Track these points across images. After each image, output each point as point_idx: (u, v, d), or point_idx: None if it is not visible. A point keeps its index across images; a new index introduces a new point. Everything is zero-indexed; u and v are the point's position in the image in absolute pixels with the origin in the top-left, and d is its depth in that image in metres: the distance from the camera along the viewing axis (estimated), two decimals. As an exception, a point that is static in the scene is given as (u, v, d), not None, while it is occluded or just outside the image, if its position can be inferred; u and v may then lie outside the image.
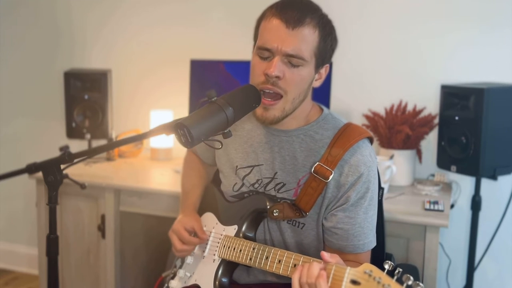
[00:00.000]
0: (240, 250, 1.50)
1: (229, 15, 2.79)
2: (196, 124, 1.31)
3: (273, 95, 1.44)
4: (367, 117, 2.46)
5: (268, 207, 1.52)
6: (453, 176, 2.43)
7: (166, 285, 1.72)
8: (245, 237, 1.54)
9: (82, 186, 1.58)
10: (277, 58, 1.41)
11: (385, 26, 2.55)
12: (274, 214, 1.51)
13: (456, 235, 2.49)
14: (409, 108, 2.43)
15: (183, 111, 2.69)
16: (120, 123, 2.98)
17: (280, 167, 1.54)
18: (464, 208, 2.47)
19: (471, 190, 2.41)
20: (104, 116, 2.80)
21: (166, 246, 1.87)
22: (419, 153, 2.42)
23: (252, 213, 1.55)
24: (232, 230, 1.58)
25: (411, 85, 2.52)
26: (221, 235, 1.60)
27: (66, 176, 1.44)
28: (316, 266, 1.23)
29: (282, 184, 1.54)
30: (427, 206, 2.08)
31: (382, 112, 2.44)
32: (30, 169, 1.42)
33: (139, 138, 1.43)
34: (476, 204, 2.36)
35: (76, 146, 2.88)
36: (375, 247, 1.53)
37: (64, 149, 1.44)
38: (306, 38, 1.41)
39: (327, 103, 2.38)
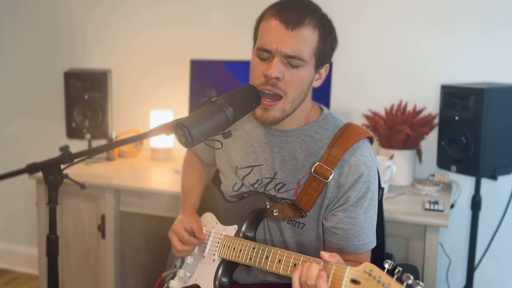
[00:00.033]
0: (240, 250, 1.50)
1: (229, 15, 2.79)
2: (196, 124, 1.31)
3: (273, 96, 1.44)
4: (367, 117, 2.46)
5: (268, 206, 1.52)
6: (453, 176, 2.43)
7: (166, 285, 1.72)
8: (245, 237, 1.54)
9: (82, 186, 1.58)
10: (276, 59, 1.41)
11: (385, 26, 2.55)
12: (274, 214, 1.51)
13: (456, 235, 2.49)
14: (409, 108, 2.43)
15: (183, 111, 2.69)
16: (120, 123, 2.98)
17: (280, 167, 1.54)
18: (464, 208, 2.47)
19: (471, 190, 2.41)
20: (104, 116, 2.80)
21: (166, 246, 1.86)
22: (419, 153, 2.42)
23: (252, 213, 1.55)
24: (232, 230, 1.58)
25: (411, 85, 2.52)
26: (221, 235, 1.60)
27: (66, 176, 1.44)
28: (315, 267, 1.23)
29: (282, 184, 1.53)
30: (427, 206, 2.08)
31: (382, 112, 2.44)
32: (30, 169, 1.42)
33: (139, 138, 1.43)
34: (476, 204, 2.36)
35: (76, 146, 2.88)
36: (375, 247, 1.53)
37: (64, 149, 1.44)
38: (306, 39, 1.41)
39: (327, 103, 2.38)
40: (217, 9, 2.81)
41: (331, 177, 1.46)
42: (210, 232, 1.65)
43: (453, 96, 2.25)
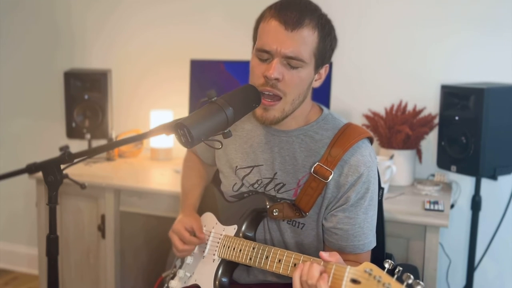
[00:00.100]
0: (240, 250, 1.50)
1: (229, 15, 2.79)
2: (196, 124, 1.31)
3: (273, 96, 1.44)
4: (367, 117, 2.46)
5: (268, 206, 1.52)
6: (453, 176, 2.43)
7: (166, 285, 1.72)
8: (245, 237, 1.54)
9: (82, 186, 1.58)
10: (276, 60, 1.41)
11: (385, 26, 2.55)
12: (274, 214, 1.51)
13: (456, 235, 2.49)
14: (409, 108, 2.43)
15: (183, 111, 2.69)
16: (120, 123, 2.98)
17: (280, 167, 1.54)
18: (464, 208, 2.47)
19: (471, 190, 2.41)
20: (104, 116, 2.80)
21: (166, 246, 1.87)
22: (419, 153, 2.42)
23: (251, 212, 1.55)
24: (231, 230, 1.58)
25: (411, 85, 2.52)
26: (221, 235, 1.60)
27: (66, 176, 1.44)
28: (316, 267, 1.23)
29: (282, 184, 1.53)
30: (427, 206, 2.08)
31: (382, 112, 2.44)
32: (30, 169, 1.42)
33: (139, 138, 1.43)
34: (476, 204, 2.36)
35: (76, 146, 2.89)
36: (375, 247, 1.53)
37: (64, 149, 1.44)
38: (306, 40, 1.40)
39: (327, 103, 2.38)
40: (217, 9, 2.81)
41: (330, 177, 1.46)
42: (210, 232, 1.65)
43: (453, 96, 2.25)
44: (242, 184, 1.60)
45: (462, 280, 2.47)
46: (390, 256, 1.77)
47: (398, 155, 2.35)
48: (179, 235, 1.62)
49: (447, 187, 2.40)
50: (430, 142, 2.49)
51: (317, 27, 1.42)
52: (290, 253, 1.37)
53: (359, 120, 2.53)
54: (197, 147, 1.77)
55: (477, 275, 2.44)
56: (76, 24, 3.08)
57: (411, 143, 2.36)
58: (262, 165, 1.56)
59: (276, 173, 1.54)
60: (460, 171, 2.24)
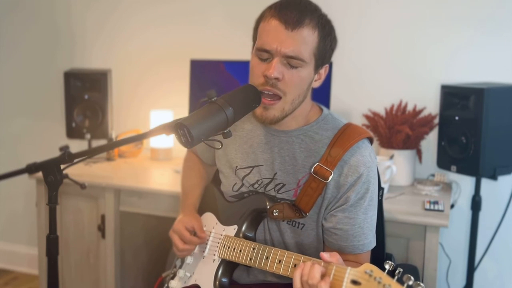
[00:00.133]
0: (240, 250, 1.50)
1: (229, 15, 2.79)
2: (196, 124, 1.31)
3: (273, 96, 1.44)
4: (367, 117, 2.46)
5: (268, 207, 1.52)
6: (453, 176, 2.43)
7: (166, 285, 1.72)
8: (245, 237, 1.54)
9: (82, 186, 1.58)
10: (276, 59, 1.41)
11: (385, 26, 2.55)
12: (274, 214, 1.51)
13: (456, 235, 2.49)
14: (409, 108, 2.43)
15: (183, 111, 2.69)
16: (120, 123, 2.98)
17: (279, 167, 1.54)
18: (464, 208, 2.47)
19: (471, 190, 2.41)
20: (104, 116, 2.80)
21: (166, 246, 1.87)
22: (419, 153, 2.42)
23: (252, 213, 1.55)
24: (232, 230, 1.58)
25: (411, 85, 2.52)
26: (221, 235, 1.60)
27: (66, 176, 1.44)
28: (317, 268, 1.23)
29: (282, 184, 1.53)
30: (427, 206, 2.08)
31: (382, 112, 2.44)
32: (30, 169, 1.42)
33: (139, 138, 1.43)
34: (476, 204, 2.36)
35: (76, 146, 2.88)
36: (375, 247, 1.53)
37: (64, 149, 1.43)
38: (306, 39, 1.40)
39: (327, 103, 2.38)
40: (217, 9, 2.81)
41: (330, 177, 1.46)
42: (210, 232, 1.65)
43: (453, 96, 2.25)
44: (242, 184, 1.60)
45: (462, 280, 2.47)
46: (390, 256, 1.77)
47: (398, 155, 2.35)
48: (179, 234, 1.62)
49: (447, 187, 2.40)
50: (430, 142, 2.49)
51: (317, 27, 1.42)
52: (290, 254, 1.37)
53: (359, 120, 2.53)
54: (197, 147, 1.77)
55: (477, 275, 2.44)
56: (76, 24, 3.08)
57: (411, 143, 2.36)
58: (262, 165, 1.56)
59: (276, 173, 1.54)
60: (460, 171, 2.24)
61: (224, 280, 1.55)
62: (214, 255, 1.59)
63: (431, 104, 2.45)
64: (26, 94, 3.23)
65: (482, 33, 2.41)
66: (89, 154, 1.50)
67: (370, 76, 2.59)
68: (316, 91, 1.57)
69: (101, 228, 2.42)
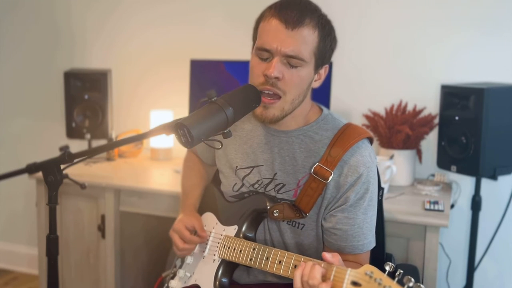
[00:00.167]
0: (240, 251, 1.50)
1: (229, 15, 2.79)
2: (196, 124, 1.31)
3: (272, 95, 1.44)
4: (367, 117, 2.46)
5: (268, 207, 1.52)
6: (453, 176, 2.43)
7: (166, 285, 1.72)
8: (245, 237, 1.54)
9: (82, 186, 1.58)
10: (276, 59, 1.41)
11: (385, 26, 2.55)
12: (274, 215, 1.51)
13: (456, 235, 2.49)
14: (409, 108, 2.43)
15: (183, 111, 2.69)
16: (120, 123, 2.98)
17: (279, 167, 1.54)
18: (464, 208, 2.47)
19: (471, 190, 2.41)
20: (104, 116, 2.80)
21: (166, 246, 1.87)
22: (419, 153, 2.42)
23: (252, 213, 1.55)
24: (232, 230, 1.58)
25: (411, 85, 2.52)
26: (221, 235, 1.60)
27: (66, 176, 1.44)
28: (318, 269, 1.23)
29: (282, 184, 1.53)
30: (427, 206, 2.08)
31: (382, 112, 2.44)
32: (30, 169, 1.42)
33: (139, 138, 1.43)
34: (476, 204, 2.36)
35: (76, 146, 2.89)
36: (375, 247, 1.53)
37: (64, 149, 1.43)
38: (306, 39, 1.40)
39: (327, 103, 2.38)
40: (217, 9, 2.81)
41: (330, 178, 1.45)
42: (210, 232, 1.65)
43: (453, 96, 2.25)
44: (243, 184, 1.60)
45: (462, 280, 2.47)
46: (390, 256, 1.77)
47: (398, 155, 2.35)
48: (179, 234, 1.62)
49: (447, 187, 2.40)
50: (430, 142, 2.49)
51: (318, 26, 1.42)
52: (290, 255, 1.37)
53: (359, 120, 2.53)
54: (197, 147, 1.77)
55: (477, 275, 2.44)
56: (76, 24, 3.08)
57: (411, 143, 2.36)
58: (262, 165, 1.56)
59: (276, 173, 1.54)
60: (460, 171, 2.24)
61: (224, 280, 1.55)
62: (214, 255, 1.59)
63: (431, 104, 2.45)
64: (26, 94, 3.23)
65: (482, 33, 2.41)
66: (89, 154, 1.50)
67: (370, 76, 2.59)
68: (316, 91, 1.57)
69: (101, 228, 2.42)
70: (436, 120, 2.35)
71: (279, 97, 1.44)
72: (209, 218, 1.69)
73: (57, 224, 1.44)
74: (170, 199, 2.30)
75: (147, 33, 2.95)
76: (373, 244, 1.52)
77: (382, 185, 2.04)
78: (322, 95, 2.34)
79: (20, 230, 3.33)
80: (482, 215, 2.40)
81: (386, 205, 1.98)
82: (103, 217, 2.41)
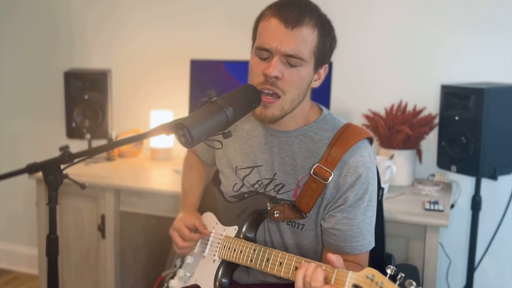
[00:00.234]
0: (241, 251, 1.50)
1: (229, 15, 2.79)
2: (196, 124, 1.31)
3: (272, 94, 1.44)
4: (367, 117, 2.46)
5: (269, 208, 1.51)
6: (453, 176, 2.43)
7: (166, 284, 1.72)
8: (246, 238, 1.54)
9: (82, 186, 1.58)
10: (276, 58, 1.41)
11: (385, 26, 2.55)
12: (275, 215, 1.50)
13: (456, 235, 2.49)
14: (409, 108, 2.43)
15: (183, 111, 2.69)
16: (120, 123, 2.98)
17: (279, 168, 1.54)
18: (464, 208, 2.47)
19: (471, 190, 2.41)
20: (104, 116, 2.80)
21: (166, 246, 1.87)
22: (419, 153, 2.42)
23: (252, 213, 1.55)
24: (232, 230, 1.58)
25: (411, 85, 2.52)
26: (221, 235, 1.60)
27: (66, 176, 1.44)
28: (320, 271, 1.23)
29: (281, 185, 1.53)
30: (427, 206, 2.08)
31: (382, 112, 2.44)
32: (30, 169, 1.42)
33: (139, 138, 1.43)
34: (476, 204, 2.36)
35: (76, 146, 2.89)
36: (375, 247, 1.53)
37: (64, 149, 1.43)
38: (305, 38, 1.40)
39: (327, 103, 2.38)
40: (217, 9, 2.81)
41: (330, 178, 1.45)
42: (211, 232, 1.64)
43: (453, 96, 2.25)
44: (243, 185, 1.60)
45: (462, 280, 2.46)
46: (390, 256, 1.77)
47: (398, 155, 2.34)
48: (179, 232, 1.62)
49: (447, 187, 2.40)
50: (430, 142, 2.48)
51: (317, 26, 1.42)
52: (291, 256, 1.37)
53: (359, 120, 2.53)
54: (197, 147, 1.77)
55: (477, 275, 2.43)
56: (76, 24, 3.08)
57: (411, 143, 2.36)
58: (262, 165, 1.56)
59: (275, 173, 1.54)
60: (460, 171, 2.24)
61: (224, 280, 1.55)
62: (214, 255, 1.59)
63: (431, 104, 2.45)
64: (26, 94, 3.23)
65: (482, 33, 2.41)
66: (89, 154, 1.50)
67: (370, 76, 2.59)
68: (316, 91, 1.57)
69: (101, 228, 2.42)
70: (436, 120, 2.35)
71: (279, 97, 1.44)
72: (209, 218, 1.69)
73: (57, 224, 1.44)
74: (170, 199, 2.30)
75: (147, 33, 2.95)
76: (372, 244, 1.52)
77: (382, 185, 2.04)
78: (322, 95, 2.34)
79: (20, 230, 3.33)
80: (482, 215, 2.40)
81: (386, 205, 1.98)
82: (103, 217, 2.41)
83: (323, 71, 1.52)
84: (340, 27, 1.55)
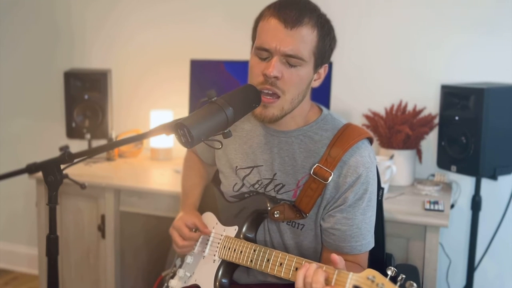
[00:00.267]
0: (241, 252, 1.50)
1: (229, 15, 2.79)
2: (196, 124, 1.31)
3: (272, 94, 1.44)
4: (367, 117, 2.46)
5: (269, 208, 1.51)
6: (453, 176, 2.43)
7: (165, 284, 1.72)
8: (246, 238, 1.54)
9: (82, 186, 1.58)
10: (275, 58, 1.41)
11: (385, 26, 2.55)
12: (275, 216, 1.50)
13: (456, 235, 2.49)
14: (409, 108, 2.43)
15: (183, 111, 2.69)
16: (120, 123, 2.98)
17: (279, 168, 1.54)
18: (464, 208, 2.47)
19: (471, 190, 2.41)
20: (104, 116, 2.80)
21: (166, 246, 1.87)
22: (419, 153, 2.42)
23: (252, 213, 1.55)
24: (232, 230, 1.58)
25: (411, 85, 2.51)
26: (221, 235, 1.60)
27: (66, 176, 1.44)
28: (321, 273, 1.22)
29: (281, 185, 1.53)
30: (427, 206, 2.08)
31: (382, 112, 2.44)
32: (30, 169, 1.42)
33: (139, 138, 1.43)
34: (476, 204, 2.36)
35: (76, 146, 2.89)
36: (375, 247, 1.53)
37: (64, 149, 1.43)
38: (305, 38, 1.40)
39: (327, 103, 2.38)
40: (217, 9, 2.81)
41: (330, 178, 1.45)
42: (211, 232, 1.64)
43: (453, 96, 2.25)
44: (243, 184, 1.60)
45: (462, 280, 2.46)
46: (390, 256, 1.77)
47: (398, 155, 2.34)
48: (179, 231, 1.62)
49: (447, 187, 2.40)
50: (430, 142, 2.48)
51: (317, 26, 1.42)
52: (291, 257, 1.36)
53: (359, 120, 2.53)
54: (197, 147, 1.77)
55: (477, 275, 2.43)
56: (76, 24, 3.08)
57: (411, 143, 2.36)
58: (262, 165, 1.56)
59: (275, 173, 1.54)
60: (460, 171, 2.24)
61: (224, 281, 1.55)
62: (214, 255, 1.59)
63: (431, 104, 2.45)
64: (26, 94, 3.22)
65: (482, 33, 2.41)
66: (89, 154, 1.50)
67: (370, 76, 2.59)
68: (316, 91, 1.57)
69: (101, 228, 2.42)
70: (436, 120, 2.35)
71: (278, 97, 1.44)
72: (209, 218, 1.68)
73: (57, 224, 1.44)
74: (170, 199, 2.30)
75: (147, 33, 2.95)
76: (371, 244, 1.52)
77: (382, 185, 2.04)
78: (322, 95, 2.34)
79: (20, 230, 3.33)
80: (482, 215, 2.40)
81: (386, 205, 1.98)
82: (103, 217, 2.41)
83: (323, 71, 1.52)
84: (340, 27, 1.55)
